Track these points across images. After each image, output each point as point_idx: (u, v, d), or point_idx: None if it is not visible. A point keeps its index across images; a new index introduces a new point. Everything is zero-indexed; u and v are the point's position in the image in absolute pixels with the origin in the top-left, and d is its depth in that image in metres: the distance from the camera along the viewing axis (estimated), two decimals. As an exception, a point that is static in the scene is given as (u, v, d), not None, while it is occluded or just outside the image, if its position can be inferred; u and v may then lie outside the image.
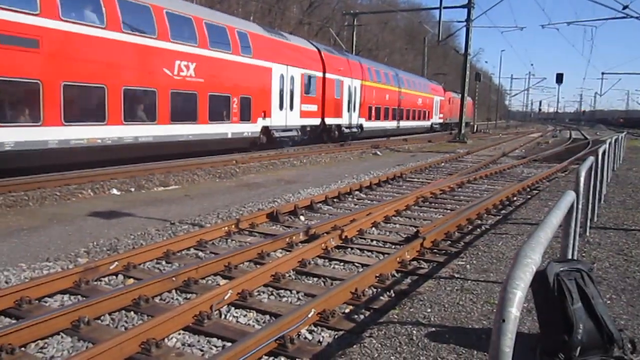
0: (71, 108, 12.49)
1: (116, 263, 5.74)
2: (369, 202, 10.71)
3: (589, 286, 2.95)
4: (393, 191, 12.21)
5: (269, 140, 20.70)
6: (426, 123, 43.03)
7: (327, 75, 25.08)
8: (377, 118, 32.08)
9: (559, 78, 46.28)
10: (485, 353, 3.38)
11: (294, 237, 7.15)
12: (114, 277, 5.66)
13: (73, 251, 6.51)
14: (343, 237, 7.17)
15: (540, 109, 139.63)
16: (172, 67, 15.46)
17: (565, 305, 2.81)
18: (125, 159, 14.07)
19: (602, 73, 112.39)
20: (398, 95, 35.25)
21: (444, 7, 33.31)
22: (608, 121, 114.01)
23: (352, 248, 7.02)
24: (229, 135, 18.34)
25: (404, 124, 37.15)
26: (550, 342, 2.89)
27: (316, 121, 24.67)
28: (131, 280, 5.54)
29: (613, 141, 11.47)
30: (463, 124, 33.39)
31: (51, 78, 11.95)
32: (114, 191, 11.04)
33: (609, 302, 4.35)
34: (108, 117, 13.53)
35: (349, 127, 28.21)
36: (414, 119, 39.74)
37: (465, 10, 31.56)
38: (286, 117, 21.70)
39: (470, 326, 3.87)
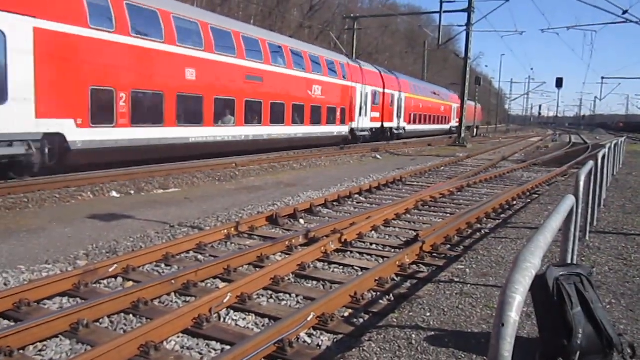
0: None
1: (115, 266, 5.73)
2: (368, 205, 10.71)
3: (589, 291, 2.94)
4: (393, 195, 12.21)
5: (353, 137, 28.69)
6: (446, 126, 50.60)
7: (386, 91, 33.12)
8: (415, 122, 40.11)
9: (559, 82, 46.35)
10: (485, 357, 3.37)
11: (293, 241, 7.15)
12: (113, 279, 5.66)
13: (72, 253, 6.51)
14: (343, 240, 7.17)
15: (540, 113, 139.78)
16: (311, 89, 23.98)
17: (565, 310, 2.80)
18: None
19: (602, 77, 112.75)
20: (428, 104, 43.78)
21: (444, 12, 33.46)
22: (608, 125, 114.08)
23: (351, 251, 7.02)
24: (335, 133, 26.70)
25: (431, 127, 45.27)
26: (550, 347, 2.89)
27: (378, 124, 32.57)
28: (130, 283, 5.54)
29: (613, 145, 11.48)
30: (463, 128, 33.41)
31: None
32: (114, 194, 11.03)
33: (608, 306, 4.34)
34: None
35: (397, 129, 35.77)
36: (438, 122, 47.94)
37: (466, 14, 31.61)
38: (362, 122, 29.81)
39: (469, 330, 3.87)
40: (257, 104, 19.65)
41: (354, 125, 28.69)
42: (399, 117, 36.14)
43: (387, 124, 33.85)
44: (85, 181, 11.72)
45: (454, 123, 50.33)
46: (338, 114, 26.85)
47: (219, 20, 18.66)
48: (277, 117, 21.08)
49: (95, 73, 12.85)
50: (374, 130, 31.83)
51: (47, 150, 11.72)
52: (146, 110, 14.64)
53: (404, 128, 37.32)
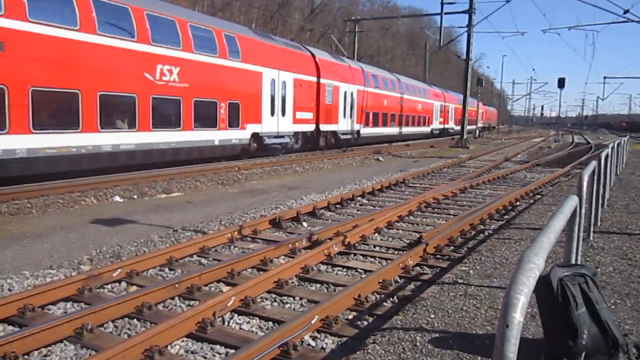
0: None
1: (119, 270, 5.74)
2: (371, 208, 10.71)
3: (593, 291, 2.93)
4: (395, 197, 12.20)
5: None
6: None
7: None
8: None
9: (561, 83, 46.29)
10: (489, 359, 3.36)
11: (296, 244, 7.15)
12: (117, 284, 5.66)
13: (76, 258, 6.52)
14: (346, 243, 7.16)
15: (542, 114, 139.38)
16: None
17: (570, 311, 2.79)
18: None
19: (604, 77, 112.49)
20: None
21: (445, 13, 33.40)
22: (610, 125, 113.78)
23: (354, 254, 7.01)
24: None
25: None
26: (555, 348, 2.88)
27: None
28: (134, 288, 5.54)
29: (616, 145, 11.46)
30: (466, 129, 33.36)
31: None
32: (117, 198, 11.05)
33: (613, 307, 4.33)
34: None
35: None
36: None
37: (467, 15, 31.62)
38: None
39: (474, 332, 3.86)
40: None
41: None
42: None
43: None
44: (88, 186, 11.74)
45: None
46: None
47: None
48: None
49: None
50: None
51: None
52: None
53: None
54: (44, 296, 4.93)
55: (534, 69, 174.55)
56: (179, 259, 6.51)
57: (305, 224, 8.94)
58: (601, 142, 38.43)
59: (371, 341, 3.76)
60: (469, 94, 32.98)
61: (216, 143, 17.84)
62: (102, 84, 13.32)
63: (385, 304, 5.19)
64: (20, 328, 4.33)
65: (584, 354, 2.78)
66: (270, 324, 4.71)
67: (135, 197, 11.36)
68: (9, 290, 5.35)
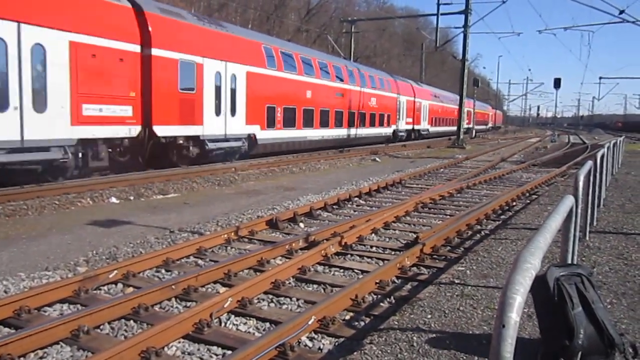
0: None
1: (115, 271, 5.72)
2: (368, 208, 10.71)
3: (589, 291, 2.94)
4: (392, 197, 12.21)
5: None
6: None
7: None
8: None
9: (557, 83, 46.37)
10: (486, 359, 3.37)
11: (293, 244, 7.14)
12: (114, 285, 5.65)
13: (72, 260, 6.50)
14: (343, 243, 7.16)
15: (538, 114, 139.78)
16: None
17: (566, 310, 2.80)
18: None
19: (600, 78, 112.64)
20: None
21: (442, 14, 33.57)
22: (606, 125, 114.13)
23: (351, 254, 7.02)
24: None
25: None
26: (551, 347, 2.88)
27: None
28: (131, 289, 5.53)
29: (611, 145, 11.49)
30: (462, 130, 33.43)
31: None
32: (113, 200, 11.03)
33: (609, 306, 4.34)
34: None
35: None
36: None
37: (463, 16, 31.70)
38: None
39: (470, 332, 3.86)
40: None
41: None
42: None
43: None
44: (84, 187, 11.71)
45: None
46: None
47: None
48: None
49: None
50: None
51: None
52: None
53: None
54: (40, 298, 4.92)
55: (530, 69, 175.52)
56: (176, 260, 6.50)
57: (302, 224, 8.93)
58: (597, 142, 38.55)
59: (368, 342, 3.77)
60: (465, 95, 33.04)
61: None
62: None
63: (382, 304, 5.20)
64: (16, 330, 4.32)
65: (580, 353, 2.78)
66: (268, 324, 4.71)
67: (132, 198, 11.34)
68: (5, 292, 5.33)
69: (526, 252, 1.74)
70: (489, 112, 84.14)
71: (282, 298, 5.35)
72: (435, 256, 6.93)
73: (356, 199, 11.62)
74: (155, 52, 14.82)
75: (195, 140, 16.76)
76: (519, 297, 1.48)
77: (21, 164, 11.51)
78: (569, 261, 3.61)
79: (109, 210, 9.96)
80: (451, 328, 3.93)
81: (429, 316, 4.17)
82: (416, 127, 41.05)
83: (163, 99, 15.13)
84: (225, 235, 7.57)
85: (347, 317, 4.86)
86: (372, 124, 32.26)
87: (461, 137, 33.21)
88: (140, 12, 14.49)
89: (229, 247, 7.36)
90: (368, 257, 6.96)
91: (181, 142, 16.22)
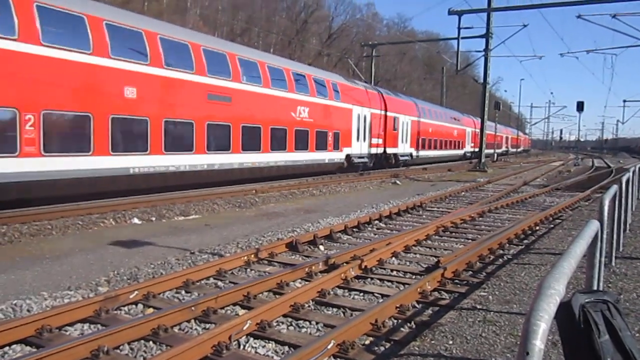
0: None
1: (136, 292, 5.76)
2: (388, 231, 10.64)
3: (616, 318, 2.86)
4: (413, 220, 12.12)
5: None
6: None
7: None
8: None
9: (580, 106, 45.88)
10: (510, 387, 3.28)
11: (313, 267, 7.11)
12: (134, 306, 5.68)
13: (94, 280, 6.56)
14: (363, 267, 7.11)
15: (561, 137, 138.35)
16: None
17: (592, 338, 2.72)
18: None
19: (624, 100, 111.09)
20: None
21: (462, 38, 33.49)
22: (631, 149, 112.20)
23: (372, 278, 6.96)
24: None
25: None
26: (577, 377, 2.80)
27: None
28: (151, 310, 5.55)
29: (637, 169, 11.28)
30: (483, 153, 33.19)
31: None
32: (135, 220, 11.15)
33: (637, 334, 4.22)
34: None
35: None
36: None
37: (484, 40, 31.71)
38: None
39: (493, 359, 3.78)
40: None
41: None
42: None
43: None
44: (107, 208, 11.87)
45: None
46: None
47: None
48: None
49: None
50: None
51: None
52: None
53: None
54: (62, 317, 4.96)
55: (552, 93, 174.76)
56: (196, 282, 6.52)
57: (322, 247, 8.90)
58: (622, 165, 37.89)
59: (388, 367, 3.71)
60: (486, 118, 32.88)
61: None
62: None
63: (402, 329, 5.12)
64: (38, 349, 4.36)
65: (607, 383, 2.70)
66: (286, 348, 4.67)
67: (154, 219, 11.45)
68: (28, 310, 5.40)
69: (550, 277, 1.71)
70: (521, 137, 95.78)
71: (301, 321, 5.31)
72: (456, 281, 6.83)
73: (376, 222, 11.56)
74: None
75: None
76: (544, 324, 1.45)
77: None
78: (595, 287, 3.53)
79: (131, 230, 10.07)
80: (473, 355, 3.85)
81: (451, 342, 4.10)
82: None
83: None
84: (245, 257, 7.58)
85: (367, 342, 4.80)
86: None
87: (483, 160, 32.95)
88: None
89: (248, 269, 7.36)
90: (388, 280, 6.89)
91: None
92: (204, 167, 16.21)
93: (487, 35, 31.38)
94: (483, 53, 31.89)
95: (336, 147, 24.66)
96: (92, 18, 12.66)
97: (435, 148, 40.65)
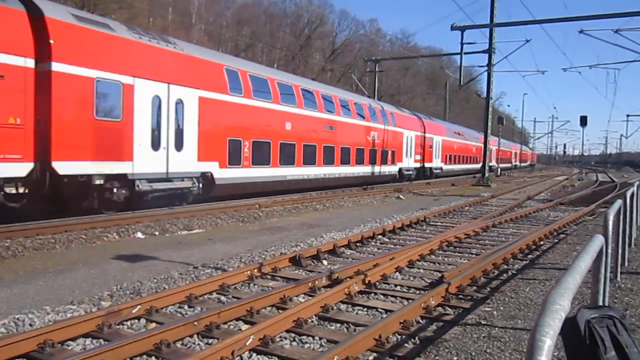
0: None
1: (139, 307, 5.74)
2: (392, 246, 10.61)
3: (623, 334, 2.83)
4: (417, 235, 12.08)
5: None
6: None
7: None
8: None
9: (583, 121, 45.85)
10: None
11: (316, 282, 7.08)
12: (137, 320, 5.66)
13: (97, 294, 6.55)
14: (366, 282, 7.08)
15: (564, 152, 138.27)
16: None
17: (598, 354, 2.70)
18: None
19: (627, 115, 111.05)
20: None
21: (465, 53, 33.67)
22: (635, 163, 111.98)
23: (375, 293, 6.92)
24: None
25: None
26: (584, 394, 2.77)
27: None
28: (153, 325, 5.53)
29: (641, 184, 11.23)
30: (487, 167, 33.15)
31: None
32: (139, 235, 11.15)
33: (644, 351, 4.17)
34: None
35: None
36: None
37: (486, 55, 31.85)
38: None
39: (498, 375, 3.74)
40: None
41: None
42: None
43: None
44: (111, 222, 11.89)
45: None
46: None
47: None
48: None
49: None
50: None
51: None
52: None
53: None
54: (64, 332, 4.94)
55: (555, 107, 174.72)
56: (199, 296, 6.50)
57: (325, 262, 8.88)
58: (626, 180, 37.76)
59: (392, 383, 3.68)
60: (489, 132, 32.90)
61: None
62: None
63: (406, 345, 5.08)
64: (40, 364, 4.34)
65: (614, 400, 2.67)
66: (289, 364, 4.64)
67: (157, 233, 11.45)
68: (30, 325, 5.38)
69: (555, 293, 1.70)
70: (529, 152, 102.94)
71: (304, 337, 5.27)
72: (461, 296, 6.79)
73: (380, 236, 11.53)
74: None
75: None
76: (549, 340, 1.44)
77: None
78: (600, 303, 3.51)
79: (134, 245, 10.07)
80: (478, 371, 3.82)
81: (455, 358, 4.07)
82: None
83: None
84: (248, 272, 7.56)
85: (371, 358, 4.77)
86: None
87: (486, 174, 32.90)
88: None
89: (251, 284, 7.33)
90: (392, 296, 6.86)
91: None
92: (321, 176, 24.10)
93: (489, 51, 31.53)
94: (486, 68, 32.02)
95: (392, 162, 32.54)
96: (271, 79, 20.32)
97: (458, 162, 47.81)
